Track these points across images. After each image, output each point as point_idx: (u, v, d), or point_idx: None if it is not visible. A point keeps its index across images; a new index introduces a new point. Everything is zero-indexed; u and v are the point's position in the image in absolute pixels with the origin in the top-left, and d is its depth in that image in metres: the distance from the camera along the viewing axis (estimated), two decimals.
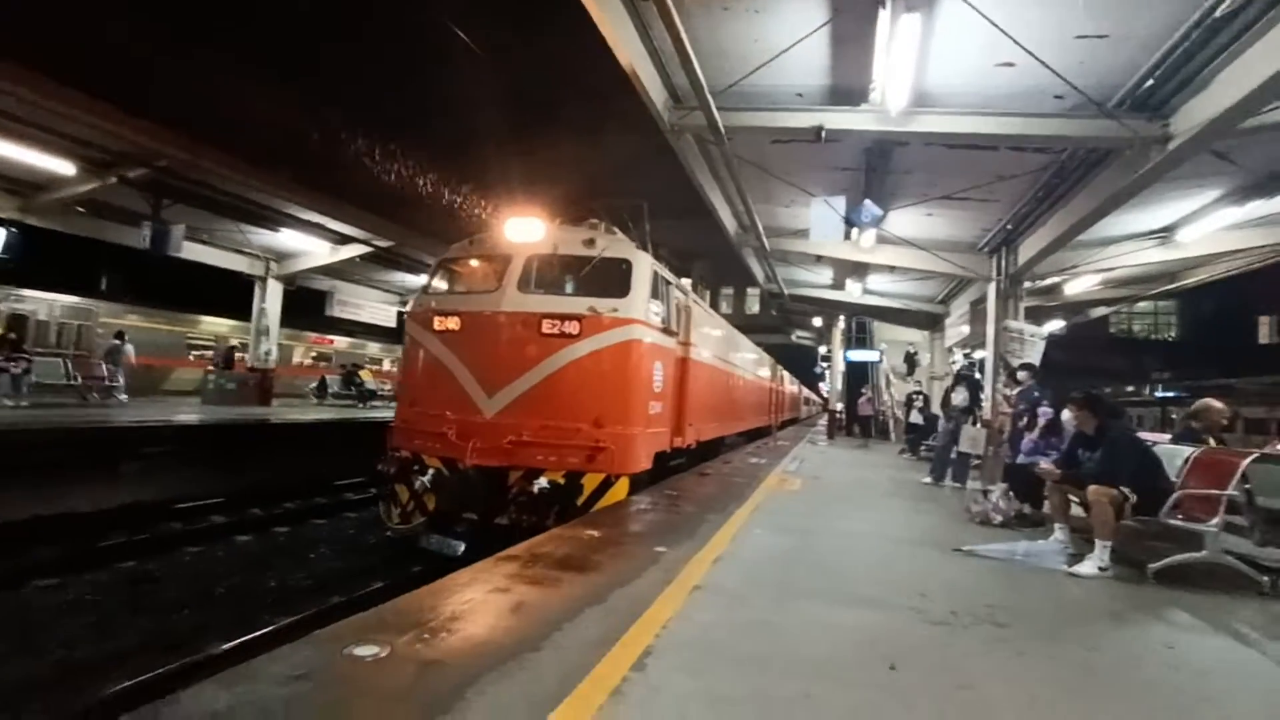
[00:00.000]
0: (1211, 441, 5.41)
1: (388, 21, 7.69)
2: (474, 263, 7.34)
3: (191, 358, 20.49)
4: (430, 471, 6.16)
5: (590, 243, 6.72)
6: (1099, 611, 3.70)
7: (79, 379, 13.86)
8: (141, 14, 7.24)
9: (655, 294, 6.91)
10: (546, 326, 6.13)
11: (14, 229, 13.60)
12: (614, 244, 6.95)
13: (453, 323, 6.54)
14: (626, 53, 6.60)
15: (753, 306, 36.04)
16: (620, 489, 5.99)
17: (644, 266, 6.72)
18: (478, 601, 3.16)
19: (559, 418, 6.01)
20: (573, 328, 6.10)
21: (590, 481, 5.94)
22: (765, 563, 4.27)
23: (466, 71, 8.90)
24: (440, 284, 7.40)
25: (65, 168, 11.39)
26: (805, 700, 2.35)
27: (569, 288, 6.76)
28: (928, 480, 9.31)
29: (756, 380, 16.36)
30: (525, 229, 6.74)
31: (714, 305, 30.79)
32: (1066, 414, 5.31)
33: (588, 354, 6.06)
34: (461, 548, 5.81)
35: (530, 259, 6.63)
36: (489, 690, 2.27)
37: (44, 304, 16.12)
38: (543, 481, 5.77)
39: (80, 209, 13.61)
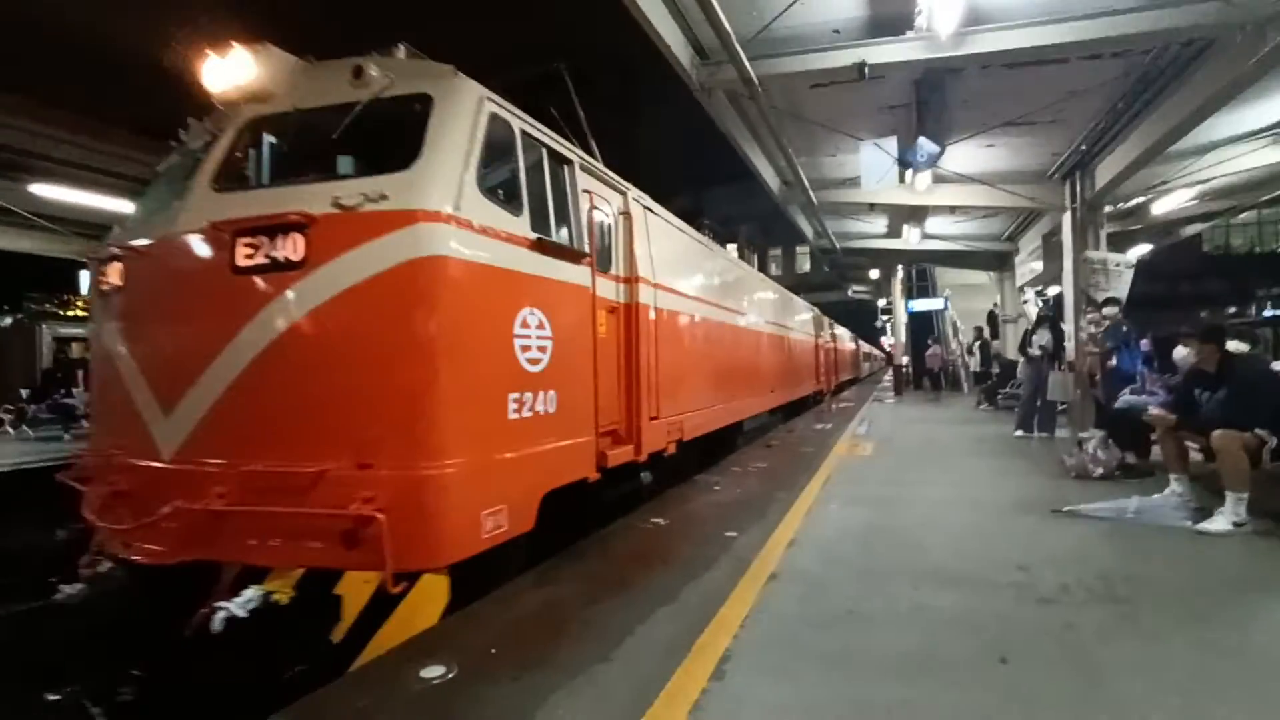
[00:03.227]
0: None
1: None
2: (185, 159, 3.89)
3: None
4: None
5: (358, 77, 3.30)
6: (1242, 577, 3.23)
7: None
8: None
9: (505, 167, 3.58)
10: (243, 253, 3.05)
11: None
12: (404, 74, 3.38)
13: (115, 274, 3.55)
14: (645, 10, 6.20)
15: (803, 265, 34.93)
16: (429, 599, 3.00)
17: (462, 105, 3.31)
18: (541, 608, 3.04)
19: (281, 453, 2.93)
20: (289, 247, 2.98)
21: (356, 591, 2.96)
22: (844, 542, 3.98)
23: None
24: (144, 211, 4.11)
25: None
26: (905, 708, 2.10)
27: (317, 169, 3.37)
28: (1019, 434, 8.66)
29: (796, 338, 13.05)
30: (236, 71, 3.49)
31: (762, 267, 29.96)
32: (1181, 351, 4.67)
33: (328, 302, 2.94)
34: None
35: (248, 127, 3.52)
36: (559, 711, 2.13)
37: None
38: (236, 606, 2.86)
39: None
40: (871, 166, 8.91)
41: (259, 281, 3.05)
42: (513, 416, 3.34)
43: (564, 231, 3.95)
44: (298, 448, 2.91)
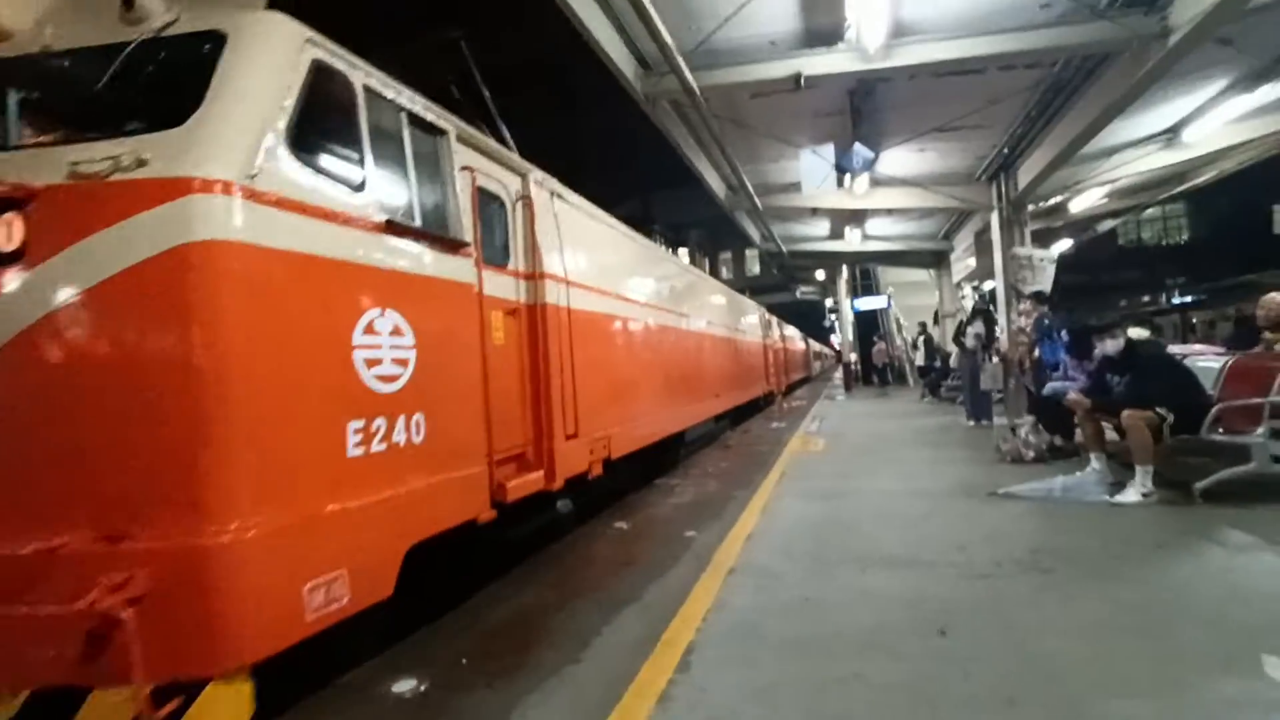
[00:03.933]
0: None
1: None
2: None
3: None
4: None
5: (129, 9, 2.57)
6: (1148, 542, 3.57)
7: None
8: None
9: (342, 132, 2.77)
10: None
11: None
12: (200, 9, 2.64)
13: None
14: (588, 24, 6.33)
15: (753, 268, 35.75)
16: (221, 715, 2.02)
17: (269, 46, 2.53)
18: (511, 616, 3.10)
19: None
20: None
21: (106, 717, 1.95)
22: (798, 534, 4.18)
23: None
24: None
25: None
26: (857, 681, 2.27)
27: (71, 129, 2.64)
28: (970, 424, 9.15)
29: (743, 339, 12.57)
30: None
31: (714, 271, 30.48)
32: (1108, 345, 5.05)
33: (61, 310, 2.11)
34: None
35: None
36: (531, 714, 2.21)
37: None
38: None
39: None
40: (811, 172, 9.31)
41: None
42: (355, 453, 2.50)
43: (434, 216, 3.15)
44: (14, 517, 2.06)
